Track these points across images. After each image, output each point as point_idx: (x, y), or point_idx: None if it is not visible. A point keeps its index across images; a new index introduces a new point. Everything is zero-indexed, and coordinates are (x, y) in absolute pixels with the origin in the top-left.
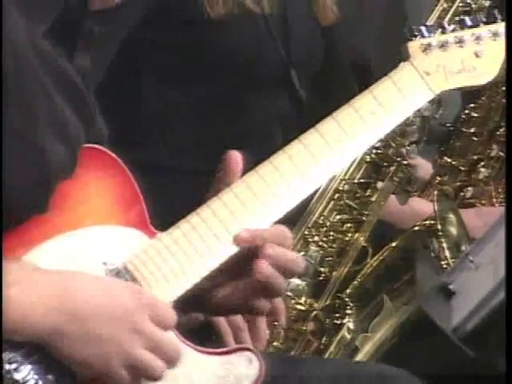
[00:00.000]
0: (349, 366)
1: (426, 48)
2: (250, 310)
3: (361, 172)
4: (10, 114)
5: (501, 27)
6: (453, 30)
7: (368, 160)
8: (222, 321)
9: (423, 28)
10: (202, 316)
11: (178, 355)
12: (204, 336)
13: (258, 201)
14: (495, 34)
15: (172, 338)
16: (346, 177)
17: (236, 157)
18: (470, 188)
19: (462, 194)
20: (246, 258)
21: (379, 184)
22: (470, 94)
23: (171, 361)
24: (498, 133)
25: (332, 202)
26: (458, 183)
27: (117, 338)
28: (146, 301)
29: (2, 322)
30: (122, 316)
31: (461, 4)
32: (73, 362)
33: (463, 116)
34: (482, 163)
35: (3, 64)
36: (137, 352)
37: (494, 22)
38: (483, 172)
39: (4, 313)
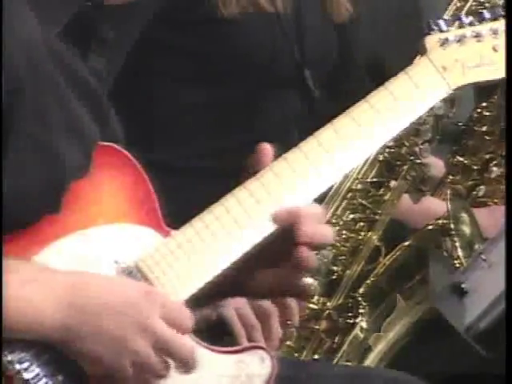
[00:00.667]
0: (359, 370)
1: (444, 42)
2: (291, 293)
3: (374, 171)
4: (23, 114)
5: None
6: (470, 24)
7: (381, 159)
8: (235, 320)
9: (441, 22)
10: (215, 315)
11: (193, 357)
12: (216, 335)
13: (272, 199)
14: None
15: (186, 340)
16: (359, 176)
17: (268, 149)
18: (482, 187)
19: (474, 192)
20: (281, 242)
21: (392, 183)
22: (482, 92)
23: (185, 362)
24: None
25: (345, 201)
26: (471, 182)
27: (124, 336)
28: (157, 300)
29: (1, 321)
30: (132, 314)
31: (474, 3)
32: (83, 360)
33: (475, 115)
34: (495, 162)
35: (18, 64)
36: (142, 350)
37: None
38: (495, 171)
39: (15, 312)
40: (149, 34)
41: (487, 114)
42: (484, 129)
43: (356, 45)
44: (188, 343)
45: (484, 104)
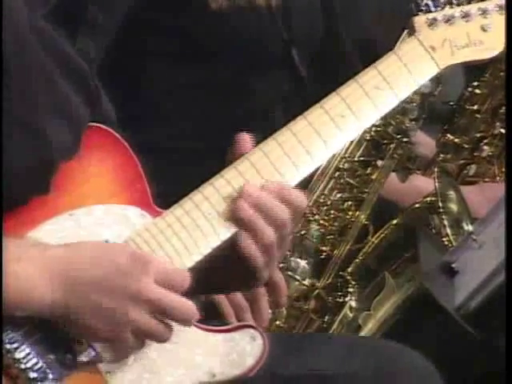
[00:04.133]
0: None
1: (432, 22)
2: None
3: (361, 150)
4: (10, 96)
5: None
6: (459, 4)
7: (368, 138)
8: (224, 301)
9: (430, 2)
10: (203, 296)
11: (193, 312)
12: (205, 317)
13: (262, 179)
14: (502, 8)
15: (182, 298)
16: (347, 155)
17: (246, 139)
18: (473, 166)
19: (464, 171)
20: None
21: (379, 162)
22: (473, 71)
23: (186, 319)
24: (502, 111)
25: (332, 181)
26: (461, 161)
27: (120, 306)
28: (147, 264)
29: (1, 310)
30: (124, 283)
31: None
32: (79, 333)
33: (466, 93)
34: (485, 141)
35: (3, 45)
36: (140, 317)
37: None
38: (486, 150)
39: (7, 288)
40: (136, 15)
41: (478, 92)
42: (475, 107)
43: (345, 25)
44: (184, 300)
45: (475, 83)
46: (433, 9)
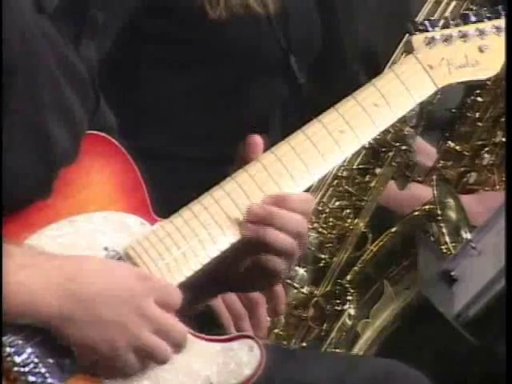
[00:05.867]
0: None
1: (430, 41)
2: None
3: (359, 158)
4: (16, 95)
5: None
6: (456, 25)
7: (367, 146)
8: (222, 309)
9: (427, 22)
10: (201, 304)
11: (185, 339)
12: (204, 325)
13: (261, 191)
14: (499, 29)
15: (178, 322)
16: (345, 163)
17: (258, 141)
18: (473, 174)
19: (464, 179)
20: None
21: (378, 170)
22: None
23: (178, 344)
24: (503, 119)
25: (331, 189)
26: (462, 168)
27: (123, 321)
28: (152, 284)
29: (1, 312)
30: (128, 300)
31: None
32: (79, 346)
33: (468, 101)
34: (486, 149)
35: (11, 44)
36: (143, 335)
37: (498, 17)
38: (487, 158)
39: (11, 297)
40: (134, 22)
41: (480, 99)
42: (477, 115)
43: (344, 32)
44: (180, 324)
45: (477, 91)
46: (430, 29)
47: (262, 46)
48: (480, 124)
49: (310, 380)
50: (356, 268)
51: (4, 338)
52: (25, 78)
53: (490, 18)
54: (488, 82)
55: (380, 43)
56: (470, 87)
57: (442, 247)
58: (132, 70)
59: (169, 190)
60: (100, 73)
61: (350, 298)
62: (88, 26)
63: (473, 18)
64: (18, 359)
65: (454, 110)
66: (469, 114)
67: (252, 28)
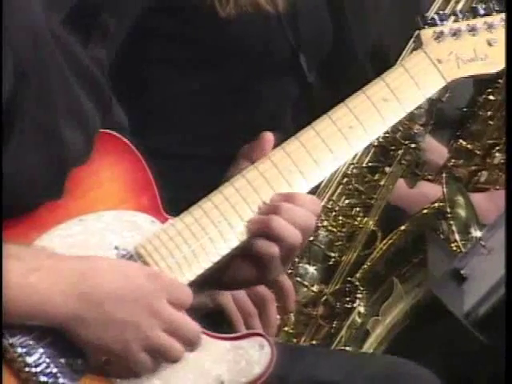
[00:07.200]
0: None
1: (439, 36)
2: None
3: (369, 156)
4: (27, 97)
5: None
6: (465, 18)
7: (376, 144)
8: (232, 307)
9: (436, 16)
10: (212, 303)
11: (198, 337)
12: (214, 323)
13: (271, 188)
14: None
15: (190, 321)
16: (355, 161)
17: (269, 138)
18: (484, 172)
19: (475, 178)
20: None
21: (387, 168)
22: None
23: (191, 343)
24: None
25: (341, 187)
26: (473, 167)
27: (135, 321)
28: (163, 283)
29: (1, 312)
30: (139, 299)
31: None
32: (91, 347)
33: (480, 99)
34: (498, 148)
35: (23, 47)
36: (155, 335)
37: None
38: (498, 157)
39: (23, 299)
40: (143, 22)
41: (492, 98)
42: (488, 114)
43: (356, 32)
44: (193, 322)
45: (489, 89)
46: (439, 23)
47: (272, 44)
48: (491, 122)
49: (321, 378)
50: (366, 266)
51: (15, 339)
52: (37, 79)
53: (498, 11)
54: (499, 81)
55: (392, 42)
56: (482, 85)
57: (452, 245)
58: (141, 69)
59: (178, 189)
60: (109, 72)
61: (359, 295)
62: (98, 28)
63: (481, 11)
64: (29, 359)
65: (465, 109)
66: (480, 113)
67: (261, 27)
